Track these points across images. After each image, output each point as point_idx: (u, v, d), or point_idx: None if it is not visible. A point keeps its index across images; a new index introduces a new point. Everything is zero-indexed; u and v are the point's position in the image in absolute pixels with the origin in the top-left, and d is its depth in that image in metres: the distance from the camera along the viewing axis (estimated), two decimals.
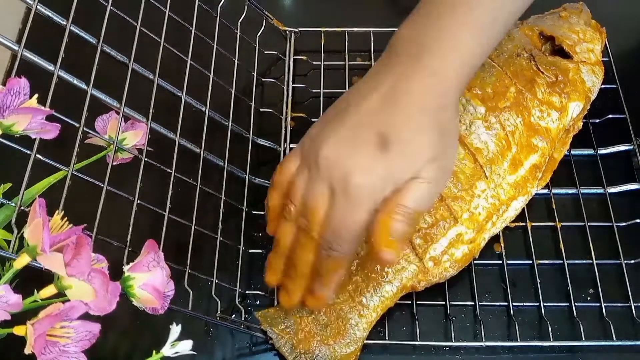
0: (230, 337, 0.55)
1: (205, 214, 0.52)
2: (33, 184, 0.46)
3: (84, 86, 0.44)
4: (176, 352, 0.42)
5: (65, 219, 0.38)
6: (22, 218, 0.38)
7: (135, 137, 0.48)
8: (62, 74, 0.42)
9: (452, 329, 0.54)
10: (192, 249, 0.48)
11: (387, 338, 0.54)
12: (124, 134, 0.48)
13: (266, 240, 0.59)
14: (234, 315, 0.54)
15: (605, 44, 0.66)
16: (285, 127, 0.64)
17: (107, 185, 0.43)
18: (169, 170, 0.49)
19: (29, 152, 0.40)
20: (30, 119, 0.39)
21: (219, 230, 0.52)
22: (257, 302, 0.56)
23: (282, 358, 0.52)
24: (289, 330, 0.52)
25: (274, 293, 0.55)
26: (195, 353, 0.42)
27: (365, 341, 0.52)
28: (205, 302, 0.53)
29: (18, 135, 0.39)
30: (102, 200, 0.42)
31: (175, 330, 0.42)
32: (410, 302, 0.55)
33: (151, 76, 0.50)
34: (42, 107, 0.39)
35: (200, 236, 0.51)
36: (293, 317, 0.52)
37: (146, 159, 0.47)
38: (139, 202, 0.45)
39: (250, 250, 0.57)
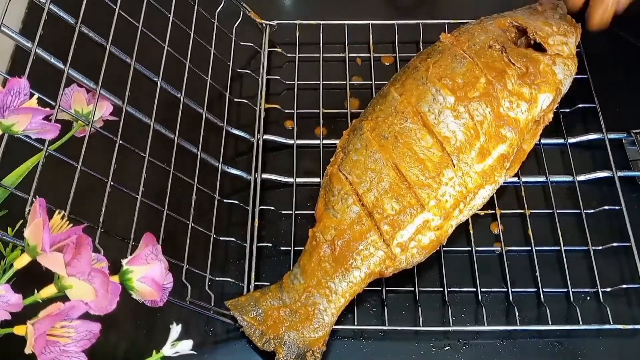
0: (230, 336, 0.55)
1: (179, 201, 0.53)
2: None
3: (61, 65, 0.45)
4: (176, 352, 0.42)
5: (66, 219, 0.38)
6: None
7: (99, 108, 0.49)
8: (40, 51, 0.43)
9: (421, 314, 0.55)
10: (165, 235, 0.49)
11: (356, 323, 0.55)
12: (89, 107, 0.48)
13: (238, 229, 0.60)
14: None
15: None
16: (259, 118, 0.65)
17: (81, 166, 0.44)
18: (142, 154, 0.50)
19: None
20: (30, 119, 0.39)
21: (191, 216, 0.53)
22: (232, 290, 0.57)
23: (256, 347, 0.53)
24: (259, 318, 0.52)
25: (244, 281, 0.56)
26: (195, 353, 0.43)
27: (334, 326, 0.53)
28: (179, 288, 0.54)
29: (18, 136, 0.40)
30: (75, 180, 0.43)
31: (176, 330, 0.42)
32: (379, 288, 0.56)
33: (128, 60, 0.51)
34: (42, 108, 0.40)
35: (173, 222, 0.51)
36: (262, 306, 0.53)
37: (121, 142, 0.47)
38: (112, 184, 0.46)
39: (222, 238, 0.57)
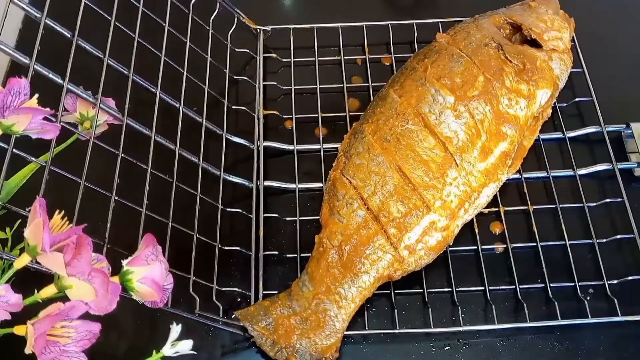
0: (230, 336, 0.55)
1: (182, 210, 0.53)
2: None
3: (59, 80, 0.44)
4: (176, 352, 0.42)
5: (66, 218, 0.38)
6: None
7: (103, 113, 0.48)
8: (38, 66, 0.43)
9: (431, 315, 0.55)
10: (170, 247, 0.48)
11: (367, 328, 0.55)
12: (94, 111, 0.48)
13: (242, 237, 0.59)
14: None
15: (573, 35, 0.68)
16: (259, 125, 0.65)
17: (84, 181, 0.43)
18: (144, 167, 0.49)
19: (6, 146, 0.40)
20: (30, 119, 0.39)
21: (195, 227, 0.52)
22: (239, 299, 0.57)
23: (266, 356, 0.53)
24: (269, 327, 0.52)
25: (252, 290, 0.55)
26: (195, 353, 0.42)
27: (345, 332, 0.53)
28: (186, 299, 0.54)
29: (18, 136, 0.39)
30: (81, 191, 0.42)
31: (176, 329, 0.42)
32: (388, 291, 0.56)
33: (126, 72, 0.50)
34: (42, 108, 0.39)
35: (177, 234, 0.51)
36: (273, 315, 0.53)
37: (123, 155, 0.47)
38: (116, 198, 0.45)
39: (226, 248, 0.57)
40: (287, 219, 0.61)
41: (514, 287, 0.57)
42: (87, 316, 0.37)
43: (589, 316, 0.55)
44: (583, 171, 0.63)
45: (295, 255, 0.58)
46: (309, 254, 0.55)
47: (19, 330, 0.36)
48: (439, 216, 0.54)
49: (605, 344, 0.55)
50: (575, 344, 0.55)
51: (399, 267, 0.53)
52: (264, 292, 0.56)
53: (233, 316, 0.53)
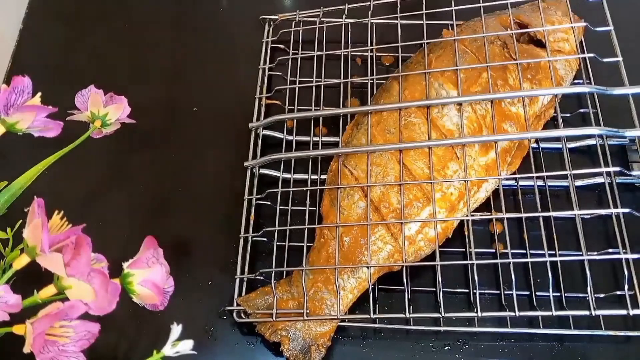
0: (230, 336, 0.55)
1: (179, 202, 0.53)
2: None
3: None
4: (177, 352, 0.41)
5: (65, 219, 0.38)
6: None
7: (117, 110, 0.48)
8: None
9: (412, 313, 0.55)
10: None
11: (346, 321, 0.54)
12: (106, 109, 0.48)
13: (235, 224, 0.59)
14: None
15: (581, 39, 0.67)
16: (259, 114, 0.65)
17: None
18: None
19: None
20: (34, 117, 0.39)
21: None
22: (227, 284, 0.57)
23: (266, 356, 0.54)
24: (270, 312, 0.52)
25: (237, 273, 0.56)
26: (195, 353, 0.42)
27: (342, 323, 0.53)
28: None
29: (21, 134, 0.40)
30: None
31: (176, 329, 0.41)
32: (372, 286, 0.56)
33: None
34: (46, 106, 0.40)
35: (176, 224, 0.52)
36: (272, 299, 0.53)
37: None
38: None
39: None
40: (280, 207, 0.61)
41: (499, 292, 0.56)
42: (86, 316, 0.37)
43: (572, 327, 0.54)
44: (580, 182, 0.62)
45: (284, 243, 0.57)
46: (299, 243, 0.56)
47: (18, 329, 0.36)
48: (439, 208, 0.53)
49: (605, 345, 0.54)
50: (575, 345, 0.54)
51: (399, 258, 0.53)
52: (248, 276, 0.56)
53: (235, 304, 0.54)
